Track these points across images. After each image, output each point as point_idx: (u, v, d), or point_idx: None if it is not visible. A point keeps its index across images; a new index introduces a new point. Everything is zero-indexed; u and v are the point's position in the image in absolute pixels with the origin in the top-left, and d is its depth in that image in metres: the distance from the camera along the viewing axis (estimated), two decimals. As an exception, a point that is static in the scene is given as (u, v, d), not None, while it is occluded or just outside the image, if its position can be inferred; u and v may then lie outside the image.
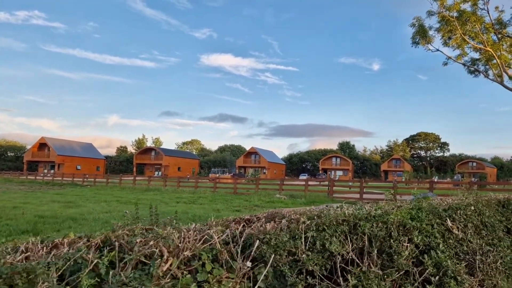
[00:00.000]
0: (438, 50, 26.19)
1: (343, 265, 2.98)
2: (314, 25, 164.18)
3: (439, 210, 4.44)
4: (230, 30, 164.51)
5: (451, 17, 24.72)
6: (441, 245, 3.84)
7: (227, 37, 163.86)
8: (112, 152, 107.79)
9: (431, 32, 26.08)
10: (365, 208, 3.83)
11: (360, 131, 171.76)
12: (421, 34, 25.45)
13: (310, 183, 29.97)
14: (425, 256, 3.59)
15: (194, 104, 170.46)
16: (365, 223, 3.27)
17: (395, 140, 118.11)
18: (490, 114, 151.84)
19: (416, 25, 25.47)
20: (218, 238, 2.53)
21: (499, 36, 28.07)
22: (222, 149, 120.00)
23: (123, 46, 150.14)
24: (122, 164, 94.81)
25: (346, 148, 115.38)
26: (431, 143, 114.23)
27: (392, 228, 3.41)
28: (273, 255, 2.60)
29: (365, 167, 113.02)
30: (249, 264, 2.49)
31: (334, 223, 3.11)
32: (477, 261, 4.42)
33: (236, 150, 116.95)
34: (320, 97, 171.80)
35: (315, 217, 3.17)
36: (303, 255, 2.78)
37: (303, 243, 2.86)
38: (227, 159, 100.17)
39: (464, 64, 29.63)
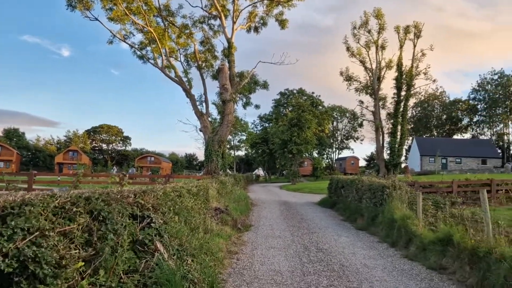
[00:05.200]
0: (97, 19, 23.01)
1: None
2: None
3: None
4: None
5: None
6: None
7: None
8: None
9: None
10: None
11: (44, 120, 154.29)
12: (77, -6, 21.58)
13: None
14: None
15: None
16: None
17: (75, 131, 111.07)
18: (175, 115, 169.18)
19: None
20: None
21: (166, 23, 28.02)
22: None
23: None
24: None
25: (13, 137, 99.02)
26: (114, 136, 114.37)
27: None
28: None
29: (38, 159, 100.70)
30: None
31: None
32: None
33: None
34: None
35: None
36: None
37: None
38: None
39: (131, 46, 28.06)
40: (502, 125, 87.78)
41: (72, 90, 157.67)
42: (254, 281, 6.50)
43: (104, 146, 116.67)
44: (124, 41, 26.71)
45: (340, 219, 15.11)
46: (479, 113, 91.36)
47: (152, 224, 5.59)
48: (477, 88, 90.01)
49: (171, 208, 7.06)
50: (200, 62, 28.37)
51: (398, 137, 37.26)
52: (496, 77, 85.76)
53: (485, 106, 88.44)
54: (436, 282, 6.58)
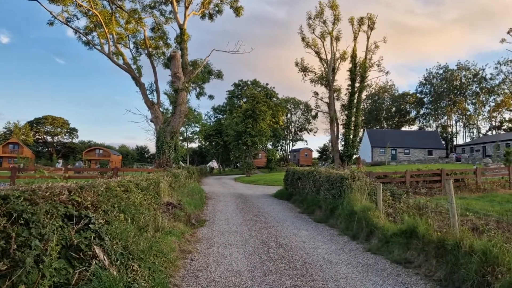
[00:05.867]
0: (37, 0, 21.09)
1: None
2: None
3: None
4: None
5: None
6: None
7: None
8: None
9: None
10: None
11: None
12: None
13: None
14: None
15: None
16: None
17: (16, 122, 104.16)
18: (124, 106, 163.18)
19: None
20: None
21: (114, 7, 26.41)
22: None
23: None
24: None
25: None
26: (59, 128, 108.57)
27: None
28: None
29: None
30: None
31: None
32: None
33: None
34: None
35: None
36: None
37: None
38: None
39: (76, 30, 26.20)
40: (446, 117, 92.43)
41: (13, 80, 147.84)
42: (210, 284, 5.88)
43: (49, 138, 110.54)
44: (67, 24, 24.83)
45: (297, 211, 14.79)
46: (426, 106, 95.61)
47: (90, 226, 4.81)
48: (424, 82, 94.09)
49: (116, 206, 6.27)
50: (150, 49, 27.09)
51: (352, 128, 37.85)
52: (441, 71, 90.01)
53: (431, 99, 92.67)
54: (403, 277, 6.28)
